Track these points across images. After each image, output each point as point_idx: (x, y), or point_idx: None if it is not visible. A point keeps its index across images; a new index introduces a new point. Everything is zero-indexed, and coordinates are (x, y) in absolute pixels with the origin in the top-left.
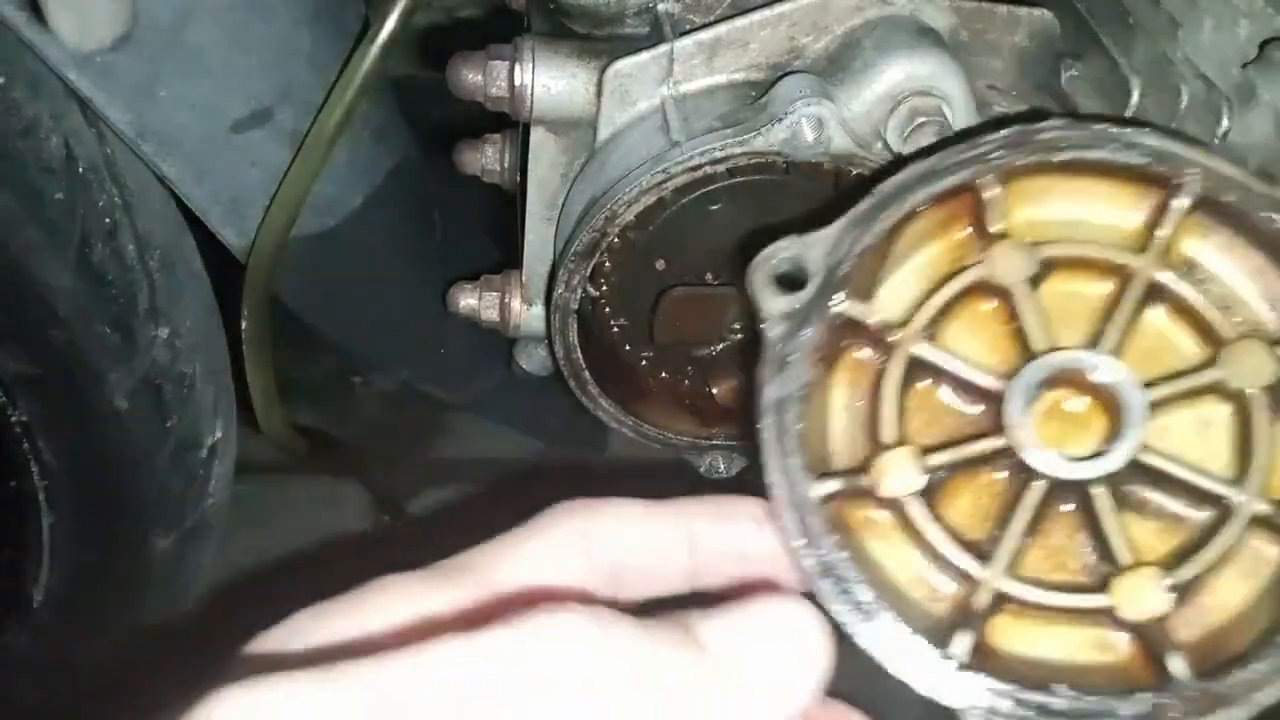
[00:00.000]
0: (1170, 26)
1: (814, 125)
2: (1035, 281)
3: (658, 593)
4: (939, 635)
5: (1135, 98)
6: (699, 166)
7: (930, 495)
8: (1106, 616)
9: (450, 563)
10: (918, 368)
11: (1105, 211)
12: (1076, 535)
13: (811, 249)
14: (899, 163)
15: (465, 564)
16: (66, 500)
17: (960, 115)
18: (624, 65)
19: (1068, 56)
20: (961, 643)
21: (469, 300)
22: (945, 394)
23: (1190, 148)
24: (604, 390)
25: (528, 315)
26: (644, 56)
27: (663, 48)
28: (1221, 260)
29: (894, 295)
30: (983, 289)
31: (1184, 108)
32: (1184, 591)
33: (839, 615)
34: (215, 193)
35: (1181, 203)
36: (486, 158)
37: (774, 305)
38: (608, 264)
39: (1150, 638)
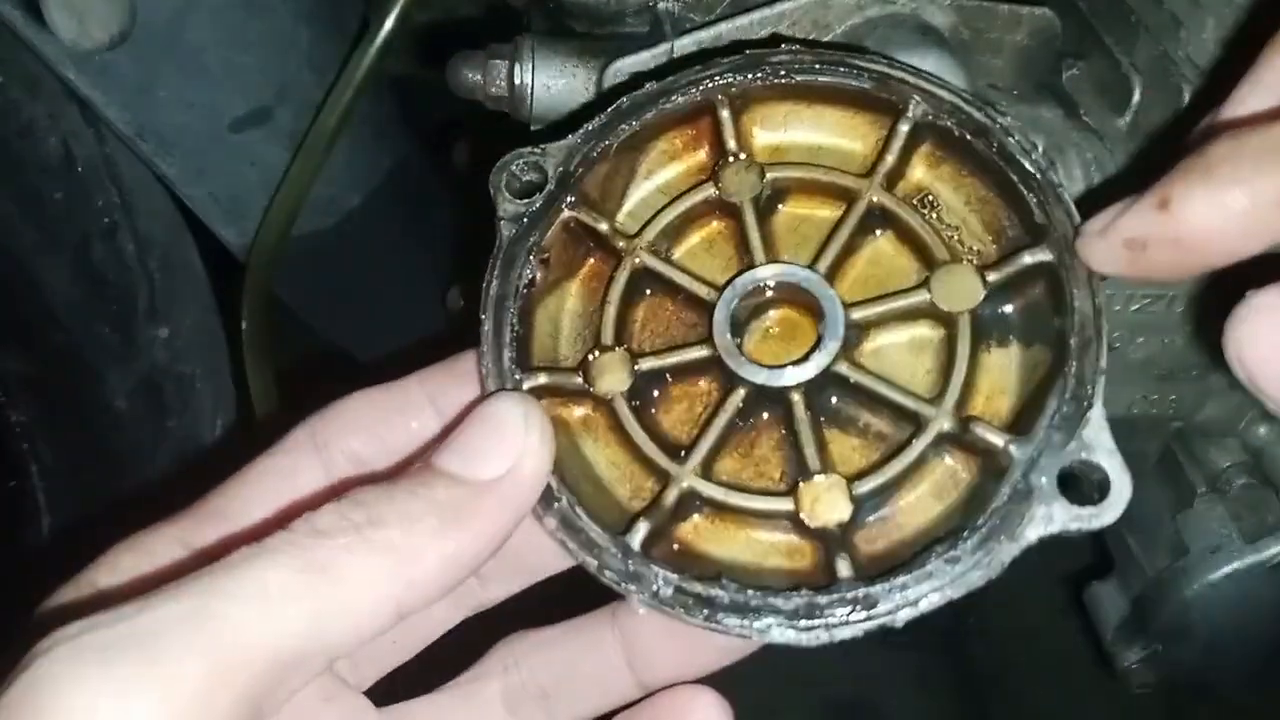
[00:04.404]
0: (1173, 26)
1: None
2: (771, 205)
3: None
4: (625, 526)
5: (1137, 97)
6: None
7: (650, 402)
8: (794, 522)
9: (192, 507)
10: (648, 279)
11: (842, 139)
12: (780, 448)
13: (548, 158)
14: (637, 83)
15: (203, 504)
16: (66, 500)
17: None
18: (624, 64)
19: (1069, 55)
20: (639, 531)
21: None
22: (672, 307)
23: (914, 75)
24: None
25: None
26: (644, 55)
27: (663, 46)
28: (950, 189)
29: (637, 211)
30: (717, 207)
31: (1185, 107)
32: (874, 504)
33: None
34: (215, 193)
35: (904, 126)
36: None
37: (508, 207)
38: None
39: (828, 543)
